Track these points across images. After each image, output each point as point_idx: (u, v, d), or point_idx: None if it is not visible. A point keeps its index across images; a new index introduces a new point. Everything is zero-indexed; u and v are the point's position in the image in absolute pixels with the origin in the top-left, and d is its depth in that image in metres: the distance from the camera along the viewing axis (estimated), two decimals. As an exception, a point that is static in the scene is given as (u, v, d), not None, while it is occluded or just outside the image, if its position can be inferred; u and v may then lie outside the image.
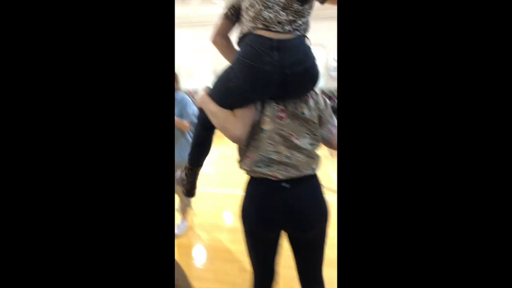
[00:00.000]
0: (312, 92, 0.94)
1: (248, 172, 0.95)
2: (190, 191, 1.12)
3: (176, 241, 2.32)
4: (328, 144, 1.00)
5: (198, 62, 9.26)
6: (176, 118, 2.15)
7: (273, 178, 0.90)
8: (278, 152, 0.90)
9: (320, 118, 0.95)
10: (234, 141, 0.92)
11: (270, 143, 0.90)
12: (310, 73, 0.88)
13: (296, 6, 0.82)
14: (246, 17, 0.86)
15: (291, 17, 0.82)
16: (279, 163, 0.89)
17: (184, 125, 2.16)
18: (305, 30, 0.89)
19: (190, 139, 2.20)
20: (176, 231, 2.42)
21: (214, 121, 0.92)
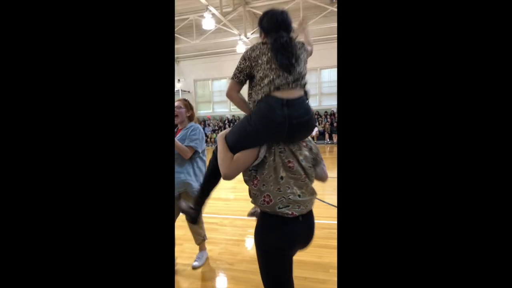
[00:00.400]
0: (307, 140, 1.25)
1: (269, 212, 1.18)
2: (195, 219, 1.41)
3: (198, 272, 2.27)
4: (321, 179, 1.33)
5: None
6: (176, 140, 2.06)
7: (291, 216, 1.16)
8: (293, 193, 1.17)
9: (315, 160, 1.25)
10: (223, 177, 1.20)
11: (287, 187, 1.16)
12: (310, 123, 1.21)
13: (298, 68, 1.17)
14: (260, 84, 1.17)
15: (296, 77, 1.16)
16: (294, 202, 1.17)
17: (182, 148, 2.06)
18: (306, 83, 1.22)
19: (196, 165, 2.16)
20: (196, 263, 2.36)
21: (218, 156, 1.22)
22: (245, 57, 1.20)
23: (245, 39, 10.08)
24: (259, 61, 1.17)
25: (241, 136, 1.19)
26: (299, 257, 1.87)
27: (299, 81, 1.17)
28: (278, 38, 1.17)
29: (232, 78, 1.24)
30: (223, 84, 13.62)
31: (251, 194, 1.24)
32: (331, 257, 2.42)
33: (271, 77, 1.14)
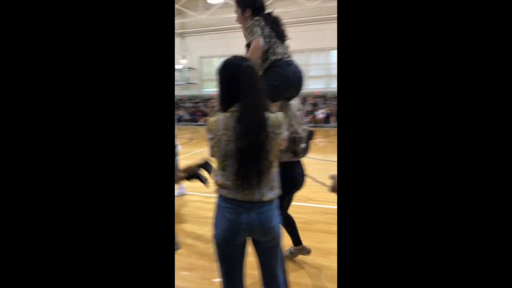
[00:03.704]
0: None
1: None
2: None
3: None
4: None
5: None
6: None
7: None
8: None
9: None
10: None
11: None
12: (302, 78, 1.66)
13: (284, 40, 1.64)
14: (267, 53, 1.58)
15: (286, 46, 1.64)
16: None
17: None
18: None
19: None
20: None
21: None
22: (259, 25, 1.54)
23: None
24: (265, 32, 1.54)
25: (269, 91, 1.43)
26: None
27: (288, 49, 1.64)
28: (269, 15, 1.59)
29: (258, 37, 1.51)
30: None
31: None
32: (332, 242, 2.40)
33: (275, 46, 1.56)
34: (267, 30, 1.55)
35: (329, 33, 11.83)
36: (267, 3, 1.64)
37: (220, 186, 1.12)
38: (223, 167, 1.10)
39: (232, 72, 1.11)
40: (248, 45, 1.59)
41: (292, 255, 2.11)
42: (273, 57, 1.55)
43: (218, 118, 1.12)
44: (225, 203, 1.12)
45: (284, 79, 1.54)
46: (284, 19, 1.70)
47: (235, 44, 12.67)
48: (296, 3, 10.74)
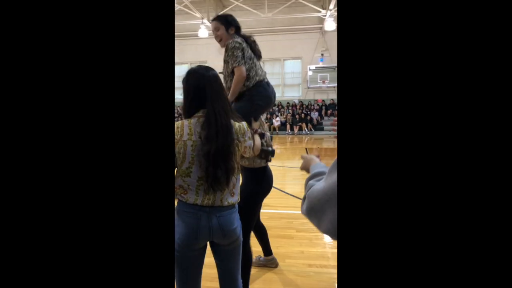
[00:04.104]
0: None
1: None
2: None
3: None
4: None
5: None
6: None
7: None
8: None
9: None
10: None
11: None
12: (275, 96, 1.87)
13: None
14: (249, 74, 1.67)
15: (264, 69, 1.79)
16: None
17: None
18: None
19: None
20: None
21: None
22: (241, 48, 1.63)
23: (207, 24, 9.75)
24: (246, 55, 1.65)
25: (247, 114, 1.54)
26: (255, 247, 1.88)
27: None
28: (248, 38, 1.72)
29: (240, 64, 1.60)
30: (184, 70, 13.12)
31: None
32: (288, 246, 2.46)
33: (257, 68, 1.70)
34: (249, 52, 1.67)
35: (283, 44, 12.29)
36: (221, 13, 1.77)
37: (182, 191, 1.12)
38: (187, 172, 1.10)
39: (197, 81, 1.14)
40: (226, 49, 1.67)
41: (260, 263, 2.12)
42: (256, 78, 1.69)
43: (183, 124, 1.12)
44: (185, 208, 1.12)
45: (267, 99, 1.74)
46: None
47: (188, 51, 12.50)
48: (251, 13, 11.00)
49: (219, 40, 1.75)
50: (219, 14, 1.84)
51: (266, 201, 1.80)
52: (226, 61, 1.68)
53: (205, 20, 9.72)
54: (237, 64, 1.60)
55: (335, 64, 10.14)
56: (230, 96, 1.62)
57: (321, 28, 10.20)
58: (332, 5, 7.68)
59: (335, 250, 2.27)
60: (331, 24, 8.82)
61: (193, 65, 1.30)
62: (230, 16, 1.77)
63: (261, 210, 1.83)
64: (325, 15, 8.95)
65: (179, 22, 10.86)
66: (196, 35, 10.60)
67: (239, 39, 1.66)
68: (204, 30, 9.79)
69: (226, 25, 1.71)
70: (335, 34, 8.29)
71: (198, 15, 9.60)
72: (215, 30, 1.74)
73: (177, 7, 8.86)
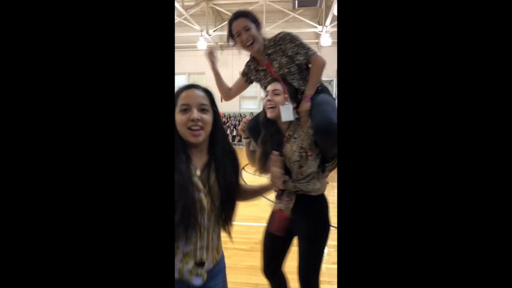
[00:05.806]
0: None
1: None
2: None
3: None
4: None
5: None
6: None
7: None
8: None
9: None
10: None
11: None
12: None
13: None
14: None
15: None
16: None
17: None
18: None
19: None
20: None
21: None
22: None
23: (206, 36, 9.87)
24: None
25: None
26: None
27: None
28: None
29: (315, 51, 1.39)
30: (182, 80, 13.19)
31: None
32: (286, 260, 2.41)
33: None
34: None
35: (232, 59, 12.30)
36: (221, 25, 1.74)
37: None
38: None
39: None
40: (267, 65, 1.38)
41: None
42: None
43: None
44: None
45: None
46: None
47: (187, 63, 12.58)
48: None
49: (251, 42, 1.31)
50: (243, 10, 1.39)
51: (260, 214, 1.75)
52: (294, 53, 1.33)
53: (204, 33, 9.84)
54: (312, 51, 1.35)
55: (331, 78, 10.26)
56: (312, 88, 1.32)
57: (317, 43, 10.39)
58: (328, 21, 7.84)
59: (330, 266, 2.24)
60: (327, 40, 8.98)
61: (191, 76, 1.21)
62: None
63: (255, 224, 1.79)
64: (321, 31, 9.12)
65: (178, 34, 10.98)
66: (195, 47, 10.70)
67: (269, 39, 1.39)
68: (203, 42, 9.90)
69: (256, 23, 1.34)
70: (331, 49, 8.48)
71: (197, 27, 9.73)
72: (244, 29, 1.30)
73: (176, 19, 8.98)
